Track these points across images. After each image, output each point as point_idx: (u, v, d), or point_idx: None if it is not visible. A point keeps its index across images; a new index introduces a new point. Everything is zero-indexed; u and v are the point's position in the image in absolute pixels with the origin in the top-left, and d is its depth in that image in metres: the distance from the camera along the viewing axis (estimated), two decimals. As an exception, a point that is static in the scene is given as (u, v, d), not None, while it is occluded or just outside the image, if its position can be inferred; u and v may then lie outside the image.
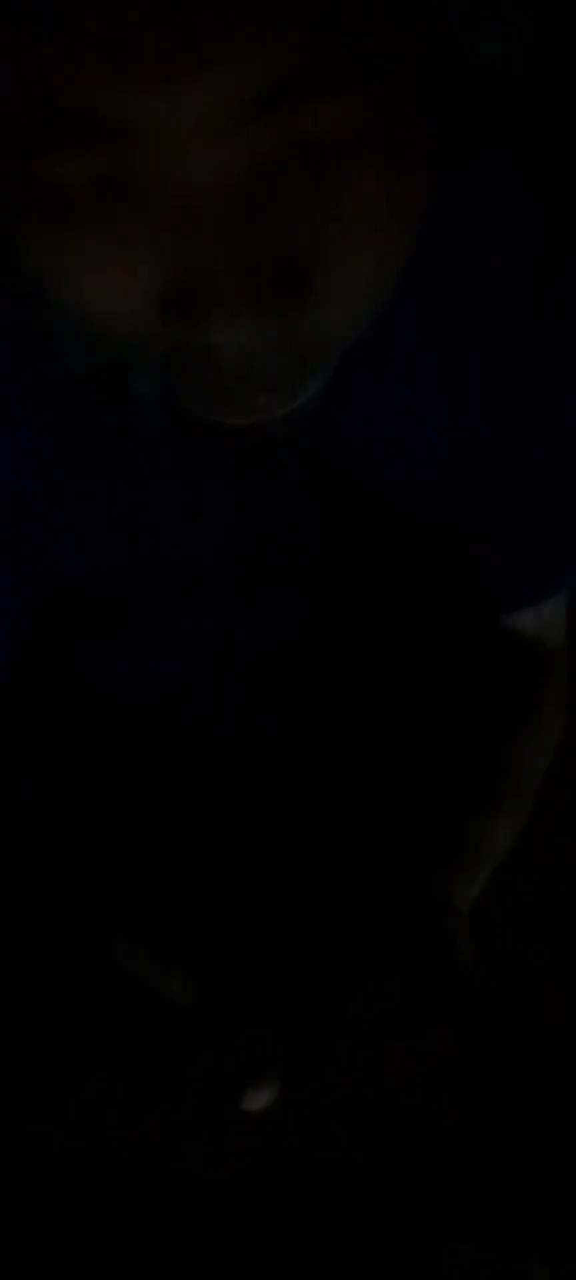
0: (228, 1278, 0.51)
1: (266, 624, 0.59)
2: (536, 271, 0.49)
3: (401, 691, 0.61)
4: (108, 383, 0.46)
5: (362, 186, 0.35)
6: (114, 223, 0.35)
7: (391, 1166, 0.53)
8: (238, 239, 0.34)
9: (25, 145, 0.34)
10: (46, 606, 0.56)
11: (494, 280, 0.49)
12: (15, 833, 0.60)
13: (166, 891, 0.57)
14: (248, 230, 0.34)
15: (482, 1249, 0.52)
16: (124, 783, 0.62)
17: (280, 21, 0.31)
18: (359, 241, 0.36)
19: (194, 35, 0.31)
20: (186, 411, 0.42)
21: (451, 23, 0.39)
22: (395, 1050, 0.50)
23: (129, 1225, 0.52)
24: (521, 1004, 0.59)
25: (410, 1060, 0.51)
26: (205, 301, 0.35)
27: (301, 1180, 0.53)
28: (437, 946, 0.51)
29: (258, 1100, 0.49)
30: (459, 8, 0.40)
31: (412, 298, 0.47)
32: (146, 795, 0.61)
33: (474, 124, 0.47)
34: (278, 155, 0.34)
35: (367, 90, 0.34)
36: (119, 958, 0.53)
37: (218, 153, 0.33)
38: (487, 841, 0.58)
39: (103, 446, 0.51)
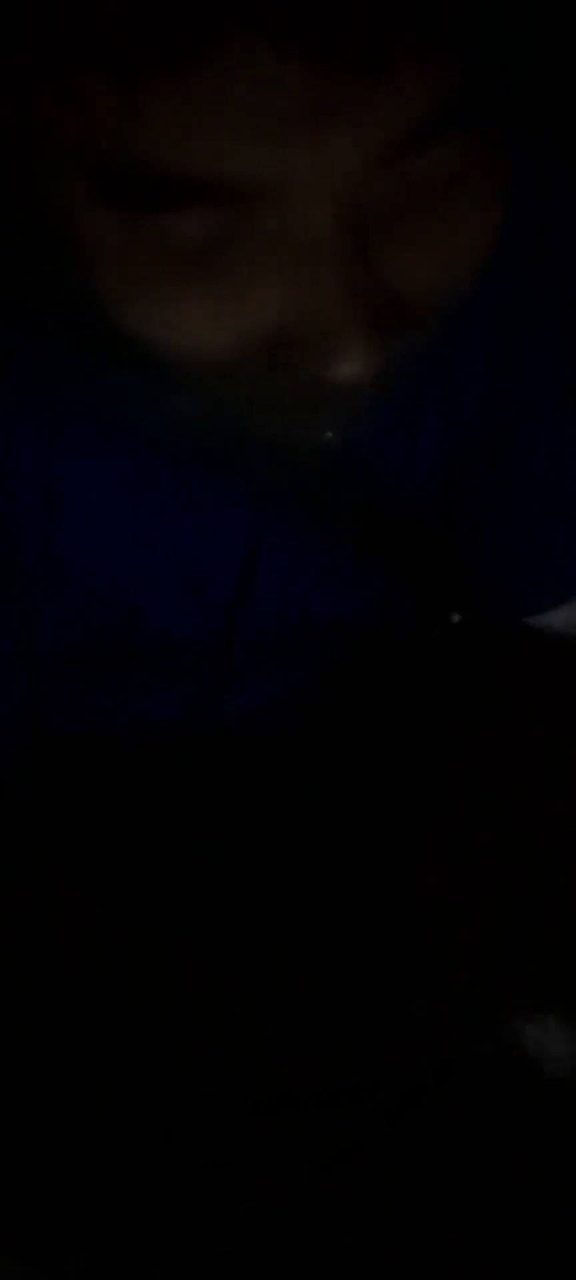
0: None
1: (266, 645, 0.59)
2: (528, 262, 0.50)
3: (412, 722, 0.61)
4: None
5: (462, 218, 0.36)
6: (227, 274, 0.35)
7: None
8: (354, 278, 0.35)
9: (143, 205, 0.34)
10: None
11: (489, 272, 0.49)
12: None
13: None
14: (364, 269, 0.35)
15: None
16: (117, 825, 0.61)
17: (409, 81, 0.32)
18: (452, 270, 0.37)
19: (322, 95, 0.31)
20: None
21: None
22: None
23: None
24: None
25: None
26: (319, 341, 0.36)
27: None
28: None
29: None
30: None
31: None
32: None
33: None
34: (395, 198, 0.35)
35: (478, 130, 0.35)
36: None
37: (340, 204, 0.33)
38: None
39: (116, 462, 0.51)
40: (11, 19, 0.32)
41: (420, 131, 0.33)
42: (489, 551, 0.58)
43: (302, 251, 0.34)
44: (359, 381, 0.36)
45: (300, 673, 0.60)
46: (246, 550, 0.53)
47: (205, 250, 0.34)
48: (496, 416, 0.53)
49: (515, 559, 0.58)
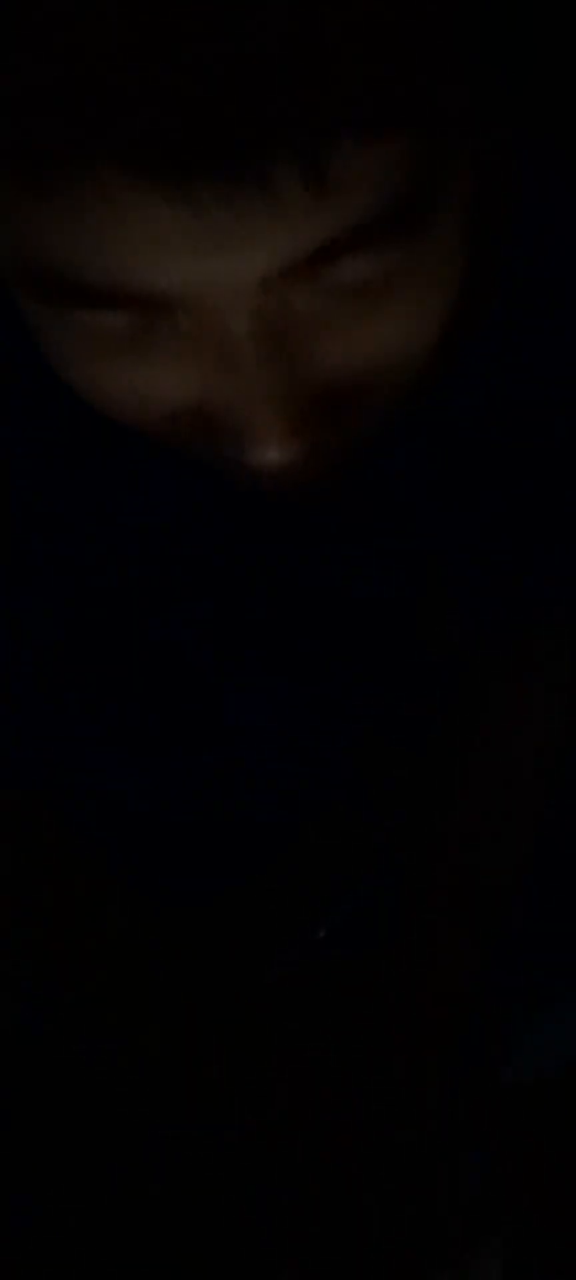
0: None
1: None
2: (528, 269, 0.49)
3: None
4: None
5: (397, 314, 0.36)
6: (148, 361, 0.36)
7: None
8: (271, 375, 0.35)
9: (67, 303, 0.34)
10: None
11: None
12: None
13: None
14: (281, 367, 0.35)
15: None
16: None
17: (317, 197, 0.31)
18: (391, 361, 0.37)
19: (240, 227, 0.31)
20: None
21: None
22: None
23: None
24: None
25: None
26: (239, 429, 0.36)
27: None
28: None
29: None
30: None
31: None
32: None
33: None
34: (312, 303, 0.35)
35: (406, 237, 0.34)
36: None
37: (253, 310, 0.34)
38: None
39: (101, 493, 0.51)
40: None
41: (329, 246, 0.33)
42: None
43: (219, 350, 0.35)
44: (281, 468, 0.37)
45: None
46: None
47: (128, 342, 0.35)
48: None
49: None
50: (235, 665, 0.54)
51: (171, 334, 0.35)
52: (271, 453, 0.36)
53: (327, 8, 0.29)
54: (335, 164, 0.31)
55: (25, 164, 0.31)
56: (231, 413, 0.36)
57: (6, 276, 0.36)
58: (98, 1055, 0.54)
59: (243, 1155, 0.53)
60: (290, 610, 0.54)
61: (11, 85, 0.30)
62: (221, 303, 0.33)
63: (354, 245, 0.33)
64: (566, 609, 0.59)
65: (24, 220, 0.32)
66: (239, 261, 0.32)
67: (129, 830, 0.57)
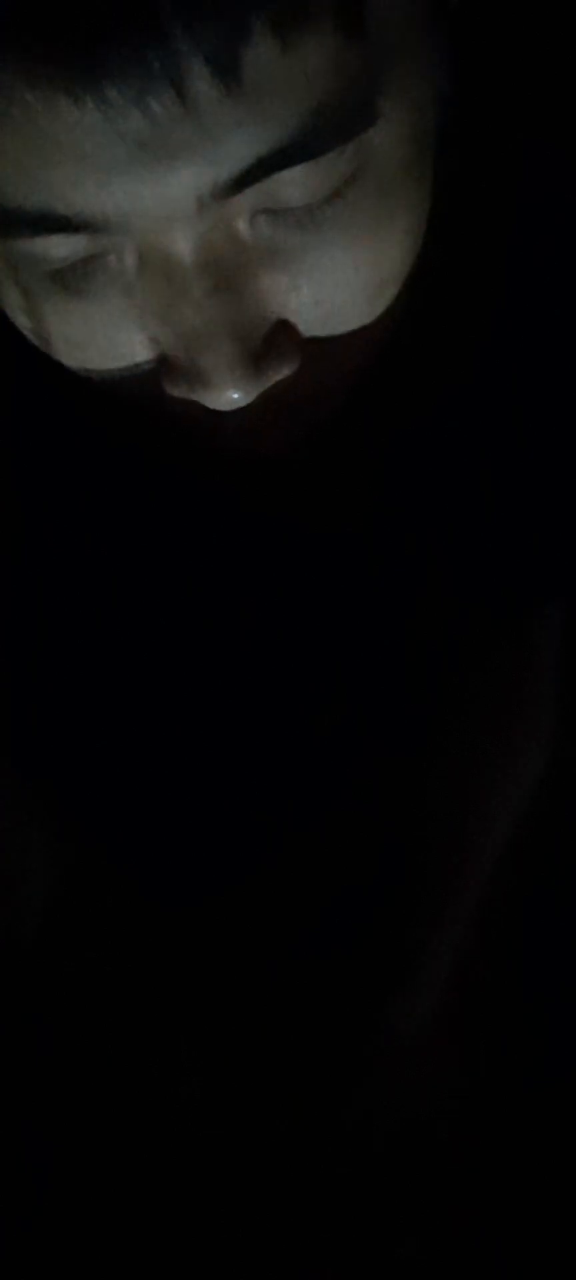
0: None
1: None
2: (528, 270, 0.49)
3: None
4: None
5: (346, 250, 0.35)
6: (102, 296, 0.35)
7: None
8: (220, 308, 0.35)
9: (8, 232, 0.34)
10: None
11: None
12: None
13: None
14: (230, 299, 0.35)
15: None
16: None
17: (235, 105, 0.31)
18: (345, 301, 0.36)
19: (159, 136, 0.31)
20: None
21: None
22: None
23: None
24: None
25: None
26: (194, 368, 0.36)
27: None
28: None
29: None
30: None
31: None
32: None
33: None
34: (257, 231, 0.34)
35: (343, 163, 0.33)
36: None
37: (195, 236, 0.33)
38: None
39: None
40: None
41: (260, 162, 0.32)
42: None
43: (168, 284, 0.34)
44: (243, 415, 0.36)
45: None
46: None
47: (73, 275, 0.35)
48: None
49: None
50: (235, 665, 0.54)
51: (120, 269, 0.34)
52: (227, 391, 0.36)
53: None
54: (250, 66, 0.30)
55: None
56: (186, 350, 0.35)
57: None
58: (98, 1054, 0.54)
59: (243, 1155, 0.53)
60: (289, 610, 0.54)
61: None
62: (159, 227, 0.33)
63: (285, 164, 0.32)
64: (566, 608, 0.58)
65: None
66: (164, 177, 0.31)
67: (129, 830, 0.57)
